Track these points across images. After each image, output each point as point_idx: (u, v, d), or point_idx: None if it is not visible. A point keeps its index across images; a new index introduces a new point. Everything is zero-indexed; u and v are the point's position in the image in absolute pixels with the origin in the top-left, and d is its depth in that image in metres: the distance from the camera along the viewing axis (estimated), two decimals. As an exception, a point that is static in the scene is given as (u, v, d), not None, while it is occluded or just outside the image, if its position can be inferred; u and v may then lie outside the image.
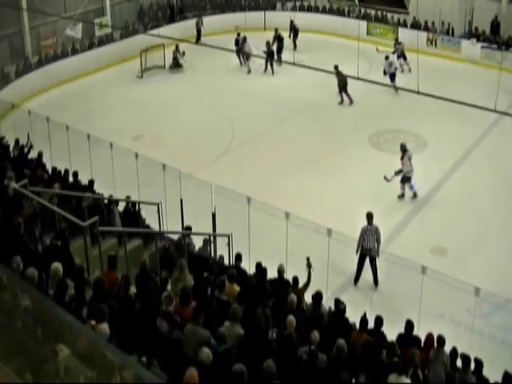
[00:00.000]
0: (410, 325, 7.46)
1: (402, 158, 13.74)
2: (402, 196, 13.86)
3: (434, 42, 23.01)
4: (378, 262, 10.72)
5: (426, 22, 23.42)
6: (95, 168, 12.88)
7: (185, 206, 11.63)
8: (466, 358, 6.91)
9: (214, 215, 10.14)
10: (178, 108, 19.22)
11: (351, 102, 18.65)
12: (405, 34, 23.25)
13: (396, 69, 19.35)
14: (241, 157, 15.89)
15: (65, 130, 13.30)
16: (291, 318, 6.86)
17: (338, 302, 7.91)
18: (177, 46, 21.82)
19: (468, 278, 9.28)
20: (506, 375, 6.72)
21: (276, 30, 22.14)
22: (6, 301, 5.05)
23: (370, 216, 10.92)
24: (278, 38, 21.90)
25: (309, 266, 8.92)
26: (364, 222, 10.93)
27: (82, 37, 21.45)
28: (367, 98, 18.43)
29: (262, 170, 15.09)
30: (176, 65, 22.04)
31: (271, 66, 21.35)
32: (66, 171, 11.76)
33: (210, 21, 25.22)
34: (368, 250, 10.75)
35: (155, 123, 18.06)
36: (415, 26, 23.55)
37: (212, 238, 10.28)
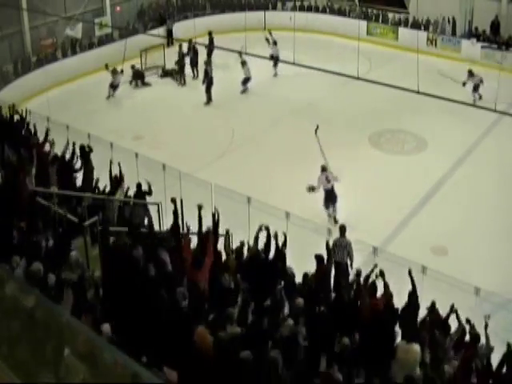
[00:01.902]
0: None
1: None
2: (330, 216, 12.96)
3: (434, 42, 23.01)
4: (377, 261, 10.71)
5: (426, 22, 23.44)
6: (95, 168, 12.85)
7: (185, 205, 11.62)
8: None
9: (214, 215, 10.10)
10: (177, 108, 19.21)
11: None
12: (405, 34, 23.30)
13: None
14: (241, 157, 15.89)
15: (65, 129, 13.30)
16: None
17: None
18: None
19: (468, 277, 9.28)
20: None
21: (190, 41, 20.69)
22: (6, 301, 5.05)
23: (342, 228, 10.28)
24: (193, 49, 21.09)
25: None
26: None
27: (81, 37, 21.46)
28: (367, 97, 18.43)
29: (262, 170, 15.08)
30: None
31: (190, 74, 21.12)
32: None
33: (210, 21, 25.20)
34: (337, 263, 9.92)
35: (155, 123, 18.06)
36: (415, 25, 23.55)
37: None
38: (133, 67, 20.66)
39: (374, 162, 15.49)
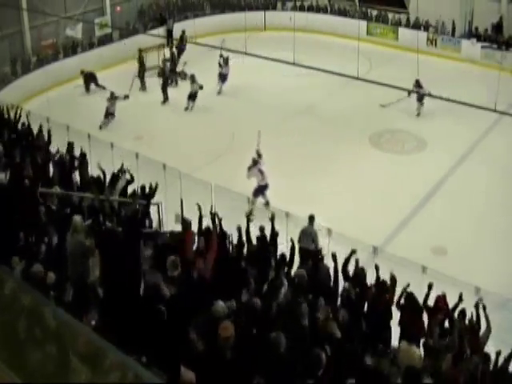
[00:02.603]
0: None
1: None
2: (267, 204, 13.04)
3: (434, 42, 23.01)
4: (377, 261, 10.71)
5: (426, 22, 23.45)
6: (95, 168, 12.86)
7: (185, 205, 11.63)
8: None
9: (213, 215, 10.12)
10: (177, 108, 19.21)
11: None
12: (405, 34, 23.30)
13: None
14: (241, 157, 15.85)
15: (65, 129, 13.31)
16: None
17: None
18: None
19: (468, 277, 9.28)
20: None
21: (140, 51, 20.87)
22: (6, 300, 5.05)
23: (310, 218, 10.64)
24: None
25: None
26: None
27: (81, 37, 21.47)
28: (367, 97, 18.43)
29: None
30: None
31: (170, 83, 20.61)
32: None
33: (210, 21, 25.22)
34: (301, 248, 10.06)
35: (155, 123, 18.06)
36: (415, 25, 23.57)
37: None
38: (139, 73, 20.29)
39: (374, 162, 15.50)
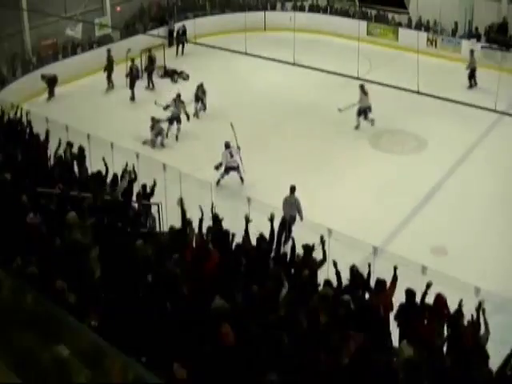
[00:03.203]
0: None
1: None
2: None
3: (433, 42, 23.01)
4: (377, 261, 10.74)
5: (426, 22, 23.44)
6: (96, 168, 12.85)
7: (185, 206, 11.63)
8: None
9: (213, 215, 10.11)
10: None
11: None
12: (405, 35, 23.30)
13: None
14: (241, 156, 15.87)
15: (65, 130, 13.30)
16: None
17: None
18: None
19: (468, 277, 9.27)
20: None
21: (150, 50, 21.10)
22: (6, 301, 5.06)
23: (291, 188, 12.22)
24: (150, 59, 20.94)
25: (322, 243, 8.98)
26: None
27: (81, 37, 21.46)
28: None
29: (262, 170, 15.08)
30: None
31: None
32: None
33: (210, 21, 25.21)
34: (284, 217, 11.66)
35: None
36: (415, 25, 23.56)
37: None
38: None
39: (374, 162, 15.49)
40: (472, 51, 20.36)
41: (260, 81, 20.92)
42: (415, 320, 7.69)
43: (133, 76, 19.84)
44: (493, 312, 8.97)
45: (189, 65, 22.11)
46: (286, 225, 11.57)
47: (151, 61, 20.95)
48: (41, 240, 7.32)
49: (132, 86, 19.79)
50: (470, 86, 20.00)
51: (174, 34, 23.94)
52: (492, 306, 9.09)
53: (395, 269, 8.37)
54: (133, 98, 19.88)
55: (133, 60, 20.08)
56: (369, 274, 8.43)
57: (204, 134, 17.29)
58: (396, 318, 8.21)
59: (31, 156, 11.49)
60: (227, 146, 14.54)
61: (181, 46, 23.51)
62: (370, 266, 8.47)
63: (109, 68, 20.44)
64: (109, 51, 20.50)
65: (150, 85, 20.86)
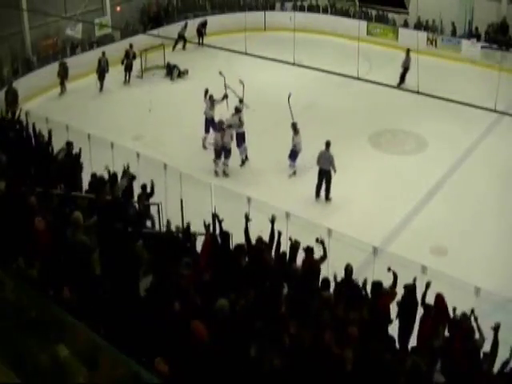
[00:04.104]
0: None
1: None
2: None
3: (434, 42, 23.01)
4: (377, 261, 10.76)
5: (426, 22, 23.43)
6: (96, 168, 12.86)
7: (185, 206, 11.64)
8: None
9: (214, 215, 10.11)
10: (177, 108, 19.20)
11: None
12: (405, 34, 23.30)
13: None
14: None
15: (65, 129, 13.30)
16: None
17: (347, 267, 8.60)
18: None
19: (468, 277, 9.28)
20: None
21: (131, 46, 21.38)
22: (6, 301, 5.05)
23: (327, 144, 13.76)
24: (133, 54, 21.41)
25: (321, 242, 9.03)
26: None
27: (81, 37, 21.45)
28: (367, 97, 18.44)
29: (262, 170, 15.09)
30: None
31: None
32: None
33: (210, 21, 25.18)
34: (322, 170, 13.60)
35: (155, 123, 18.05)
36: (414, 25, 23.56)
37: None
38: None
39: (374, 162, 15.49)
40: (408, 50, 19.63)
41: (260, 81, 20.89)
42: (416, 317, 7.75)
43: (101, 68, 20.43)
44: (493, 312, 8.99)
45: (189, 65, 22.09)
46: (323, 176, 13.65)
47: (128, 55, 21.22)
48: (47, 242, 7.33)
49: (100, 78, 20.43)
50: (399, 84, 19.05)
51: (185, 33, 23.99)
52: (492, 306, 9.11)
53: (395, 276, 8.37)
54: (101, 89, 20.51)
55: (103, 53, 20.69)
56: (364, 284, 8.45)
57: (203, 133, 17.25)
58: (397, 314, 8.24)
59: (34, 156, 11.47)
60: (238, 110, 15.25)
61: (200, 37, 24.16)
62: (365, 281, 8.53)
63: (100, 71, 20.55)
64: (103, 53, 20.72)
65: (127, 79, 21.29)
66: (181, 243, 9.19)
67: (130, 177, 11.27)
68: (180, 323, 5.75)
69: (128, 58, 21.09)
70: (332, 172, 13.63)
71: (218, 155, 14.89)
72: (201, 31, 24.29)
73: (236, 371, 5.27)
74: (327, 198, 13.75)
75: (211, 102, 15.87)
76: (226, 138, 14.72)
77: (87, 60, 21.63)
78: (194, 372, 5.04)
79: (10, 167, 10.32)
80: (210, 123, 16.00)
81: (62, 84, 20.13)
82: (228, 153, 14.89)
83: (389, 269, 8.43)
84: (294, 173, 14.82)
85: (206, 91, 16.19)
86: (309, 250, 8.82)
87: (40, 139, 12.49)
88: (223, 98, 16.01)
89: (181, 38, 23.47)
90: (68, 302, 5.91)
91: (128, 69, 21.15)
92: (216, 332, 5.65)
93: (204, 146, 16.13)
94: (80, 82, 21.05)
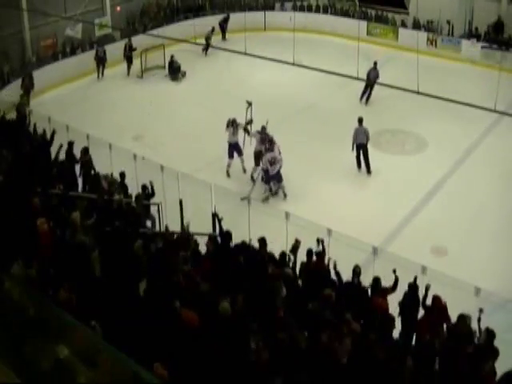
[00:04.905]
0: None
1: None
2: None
3: (434, 42, 23.01)
4: (377, 261, 10.76)
5: (426, 22, 23.44)
6: (96, 168, 12.87)
7: (184, 206, 11.64)
8: None
9: (214, 215, 10.13)
10: (178, 108, 19.21)
11: None
12: (405, 34, 23.30)
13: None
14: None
15: (65, 129, 13.30)
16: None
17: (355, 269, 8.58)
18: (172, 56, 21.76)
19: (468, 277, 9.27)
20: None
21: (129, 39, 21.91)
22: (6, 301, 5.05)
23: (360, 120, 14.93)
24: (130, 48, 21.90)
25: (321, 242, 9.06)
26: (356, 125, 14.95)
27: (81, 37, 21.44)
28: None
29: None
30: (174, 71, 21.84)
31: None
32: None
33: (210, 21, 25.17)
34: (360, 144, 14.76)
35: (155, 123, 18.05)
36: (415, 26, 23.56)
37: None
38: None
39: (374, 162, 15.47)
40: (371, 71, 18.17)
41: (260, 81, 20.91)
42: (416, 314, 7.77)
43: (98, 58, 21.43)
44: (493, 312, 8.99)
45: (189, 65, 22.09)
46: (360, 151, 14.77)
47: (129, 48, 21.71)
48: (48, 242, 7.33)
49: (98, 66, 21.45)
50: (366, 100, 18.71)
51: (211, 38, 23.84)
52: (492, 306, 9.11)
53: (396, 278, 8.40)
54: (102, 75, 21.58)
55: (97, 42, 21.85)
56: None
57: (204, 134, 17.27)
58: (399, 313, 8.26)
59: (35, 156, 11.48)
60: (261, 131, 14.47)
61: (223, 32, 24.74)
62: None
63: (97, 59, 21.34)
64: (97, 51, 21.41)
65: (129, 71, 21.81)
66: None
67: (147, 193, 11.23)
68: (179, 321, 5.77)
69: (125, 50, 21.71)
70: (368, 145, 14.84)
71: (267, 180, 13.90)
72: (223, 26, 24.81)
73: (231, 368, 5.29)
74: (368, 171, 14.78)
75: (234, 127, 14.78)
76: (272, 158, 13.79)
77: (87, 60, 21.65)
78: (191, 373, 5.06)
79: (13, 166, 10.35)
80: (234, 148, 14.81)
81: (27, 95, 18.84)
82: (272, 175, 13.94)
83: (394, 271, 8.43)
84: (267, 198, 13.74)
85: (231, 121, 14.86)
86: (314, 254, 8.78)
87: (40, 139, 12.49)
88: (248, 124, 14.84)
89: (207, 41, 23.20)
90: (64, 303, 5.92)
91: (128, 61, 21.79)
92: (215, 331, 5.67)
93: (228, 174, 14.90)
94: (80, 82, 21.08)
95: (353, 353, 6.20)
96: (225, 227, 9.54)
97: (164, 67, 22.00)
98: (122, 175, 11.49)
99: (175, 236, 9.41)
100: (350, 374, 5.95)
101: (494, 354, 7.07)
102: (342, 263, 10.82)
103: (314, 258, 8.87)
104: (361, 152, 14.85)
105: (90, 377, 4.12)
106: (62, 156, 12.22)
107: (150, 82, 21.40)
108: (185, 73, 21.70)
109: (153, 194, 11.26)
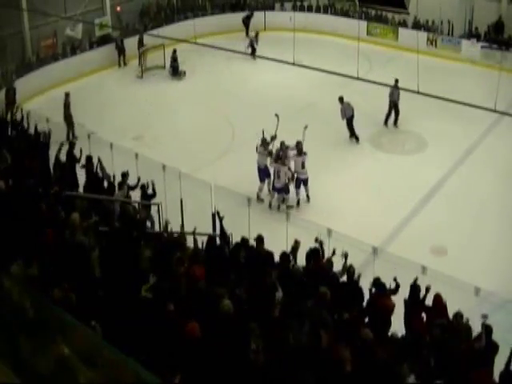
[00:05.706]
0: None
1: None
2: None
3: (433, 42, 23.01)
4: (377, 262, 10.77)
5: (426, 22, 23.44)
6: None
7: (185, 206, 11.65)
8: None
9: (213, 215, 10.14)
10: (178, 108, 19.22)
11: None
12: (405, 34, 23.30)
13: None
14: (241, 157, 15.86)
15: (65, 130, 13.32)
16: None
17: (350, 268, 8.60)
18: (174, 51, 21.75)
19: (468, 277, 9.28)
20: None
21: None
22: (5, 301, 5.05)
23: (341, 98, 16.41)
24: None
25: (320, 242, 9.07)
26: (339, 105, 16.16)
27: (81, 37, 21.44)
28: (367, 98, 18.42)
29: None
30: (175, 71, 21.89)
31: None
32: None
33: (210, 21, 25.20)
34: (392, 102, 16.94)
35: (155, 123, 18.06)
36: (415, 26, 23.57)
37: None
38: None
39: (374, 162, 15.49)
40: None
41: (260, 81, 20.92)
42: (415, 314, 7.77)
43: (118, 47, 22.44)
44: (492, 312, 8.99)
45: (189, 65, 22.10)
46: (392, 107, 16.97)
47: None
48: (50, 242, 7.33)
49: (119, 56, 22.44)
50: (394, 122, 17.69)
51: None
52: (492, 306, 9.11)
53: (397, 284, 8.41)
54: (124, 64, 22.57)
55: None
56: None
57: (204, 133, 17.29)
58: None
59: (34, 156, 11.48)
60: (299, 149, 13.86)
61: (246, 28, 24.86)
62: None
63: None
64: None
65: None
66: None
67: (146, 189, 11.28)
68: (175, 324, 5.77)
69: (117, 44, 22.49)
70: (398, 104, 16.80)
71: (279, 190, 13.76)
72: (246, 23, 25.04)
73: (230, 369, 5.29)
74: (395, 123, 17.17)
75: (264, 146, 14.08)
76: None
77: (87, 60, 21.66)
78: (191, 372, 5.06)
79: (14, 166, 10.34)
80: (263, 172, 14.18)
81: (8, 107, 16.62)
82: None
83: (395, 279, 8.39)
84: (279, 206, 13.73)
85: (264, 141, 14.21)
86: (315, 252, 8.78)
87: (39, 139, 12.49)
88: (272, 139, 14.31)
89: (253, 46, 22.64)
90: (59, 302, 5.92)
91: (120, 52, 22.53)
92: (214, 332, 5.66)
93: (259, 198, 14.04)
94: (80, 82, 21.07)
95: (353, 353, 6.19)
96: (225, 227, 9.54)
97: (164, 67, 22.01)
98: (124, 175, 11.45)
99: (174, 236, 9.40)
100: (350, 374, 5.94)
101: (494, 349, 7.07)
102: (341, 263, 10.84)
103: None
104: (393, 110, 17.04)
105: (89, 377, 4.11)
106: (62, 156, 12.23)
107: (150, 81, 21.40)
108: (184, 72, 21.71)
109: (154, 195, 11.25)
